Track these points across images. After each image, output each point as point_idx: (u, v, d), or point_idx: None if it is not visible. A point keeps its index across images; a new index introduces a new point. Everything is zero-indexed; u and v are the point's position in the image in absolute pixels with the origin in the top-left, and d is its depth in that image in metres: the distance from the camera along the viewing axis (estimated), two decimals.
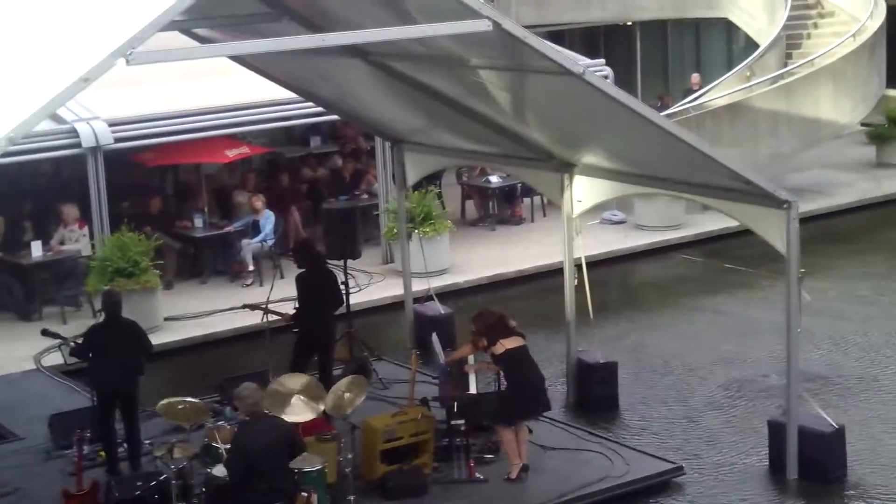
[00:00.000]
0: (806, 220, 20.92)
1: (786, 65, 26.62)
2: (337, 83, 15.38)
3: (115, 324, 13.19)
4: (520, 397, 12.64)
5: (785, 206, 12.34)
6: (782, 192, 12.41)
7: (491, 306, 13.81)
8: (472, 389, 13.11)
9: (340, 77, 14.83)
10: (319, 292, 14.49)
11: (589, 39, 33.86)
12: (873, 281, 20.26)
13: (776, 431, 12.84)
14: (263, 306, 14.61)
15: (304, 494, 11.01)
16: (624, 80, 30.63)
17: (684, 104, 24.80)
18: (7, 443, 14.35)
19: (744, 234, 13.65)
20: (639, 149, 13.29)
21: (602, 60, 25.02)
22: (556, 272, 16.58)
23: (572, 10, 31.10)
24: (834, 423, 12.69)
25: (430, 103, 14.26)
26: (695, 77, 28.82)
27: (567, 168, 14.47)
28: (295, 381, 12.77)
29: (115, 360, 12.89)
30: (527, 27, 12.01)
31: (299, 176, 23.88)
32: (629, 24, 33.67)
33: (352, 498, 11.64)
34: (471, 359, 13.18)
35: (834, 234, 23.06)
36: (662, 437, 14.03)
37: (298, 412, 12.41)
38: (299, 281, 14.60)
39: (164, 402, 12.52)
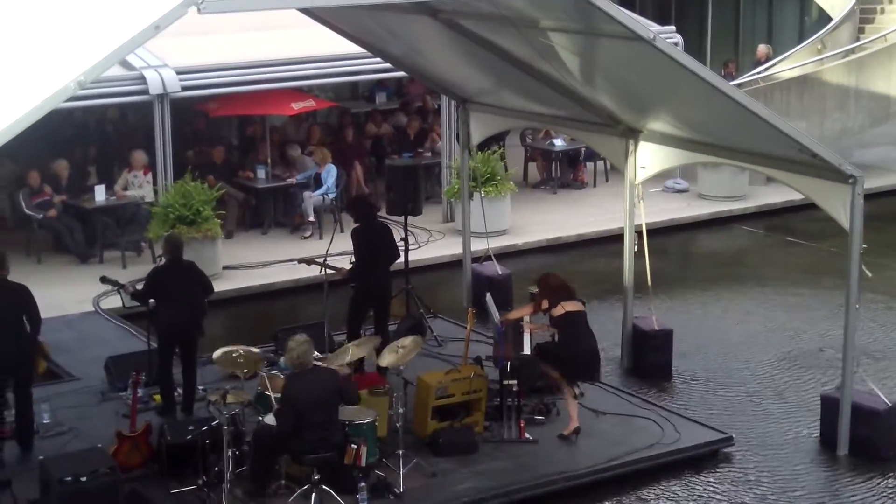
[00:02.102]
0: (871, 197, 20.86)
1: (857, 39, 26.33)
2: (406, 40, 15.38)
3: (177, 266, 13.30)
4: (573, 361, 12.68)
5: (850, 180, 12.26)
6: (848, 166, 12.33)
7: (549, 269, 13.82)
8: (527, 350, 13.13)
9: (410, 34, 14.83)
10: (375, 247, 14.48)
11: (660, 5, 33.63)
12: None
13: (829, 406, 12.81)
14: (320, 260, 14.65)
15: (354, 446, 11.12)
16: (694, 48, 30.41)
17: (753, 74, 24.61)
18: (64, 383, 14.52)
19: (806, 207, 13.56)
20: (705, 117, 13.23)
21: (672, 27, 24.87)
22: (616, 238, 16.57)
23: None
24: (888, 401, 12.63)
25: (497, 64, 14.24)
26: (762, 48, 28.46)
27: (632, 134, 14.43)
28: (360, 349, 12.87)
29: (179, 302, 12.99)
30: None
31: (364, 131, 23.92)
32: None
33: (401, 452, 11.71)
34: (526, 319, 13.21)
35: None
36: (714, 407, 14.01)
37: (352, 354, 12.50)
38: (355, 235, 14.59)
39: (220, 350, 12.61)
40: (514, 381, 12.81)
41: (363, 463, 11.27)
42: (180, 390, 13.35)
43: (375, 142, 23.65)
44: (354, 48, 17.37)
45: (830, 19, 27.42)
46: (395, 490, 11.47)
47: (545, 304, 12.79)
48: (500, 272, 17.28)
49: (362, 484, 11.18)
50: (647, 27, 12.69)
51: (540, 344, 13.07)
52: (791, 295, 18.21)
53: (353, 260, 14.56)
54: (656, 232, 18.32)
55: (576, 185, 24.24)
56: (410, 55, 16.27)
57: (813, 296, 17.89)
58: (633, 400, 13.79)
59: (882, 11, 28.02)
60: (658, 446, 12.56)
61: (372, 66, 20.29)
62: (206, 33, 19.19)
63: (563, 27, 12.42)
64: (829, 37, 25.93)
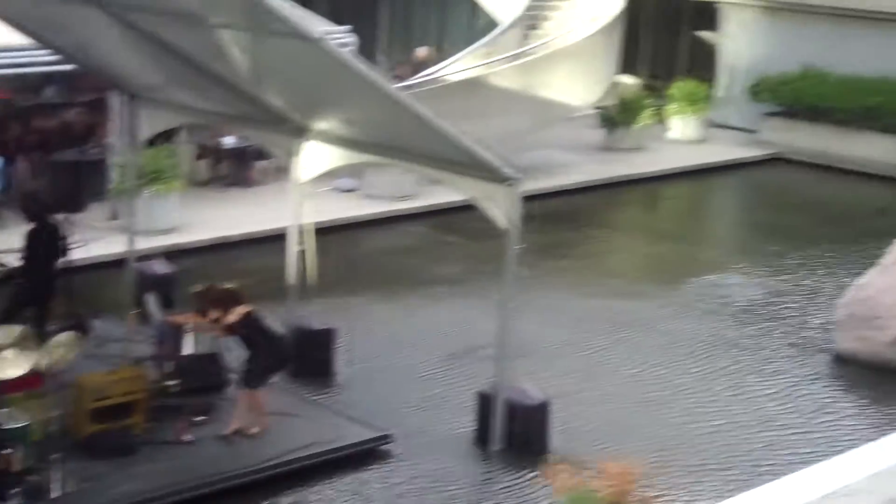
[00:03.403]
0: (531, 199, 21.56)
1: (524, 45, 27.06)
2: (74, 32, 14.99)
3: None
4: (260, 362, 12.72)
5: (509, 182, 12.63)
6: (507, 168, 12.69)
7: (217, 267, 13.77)
8: (189, 351, 13.03)
9: (77, 26, 14.48)
10: (42, 245, 14.21)
11: (336, 5, 33.78)
12: (589, 256, 21.01)
13: (484, 403, 13.19)
14: None
15: (8, 451, 10.81)
16: (368, 48, 30.71)
17: (422, 76, 24.99)
18: None
19: (472, 207, 13.86)
20: (371, 118, 13.41)
21: (348, 27, 25.03)
22: (284, 237, 16.58)
23: None
24: (540, 396, 13.09)
25: (167, 59, 14.06)
26: (422, 51, 28.94)
27: (300, 133, 14.49)
28: (6, 333, 12.47)
29: None
30: None
31: (30, 126, 23.17)
32: None
33: (57, 456, 11.43)
34: (190, 321, 13.11)
35: (559, 212, 23.67)
36: (375, 406, 14.18)
37: (9, 366, 12.12)
38: (26, 233, 14.29)
39: None
40: (176, 382, 12.70)
41: (16, 468, 10.97)
42: None
43: (42, 136, 22.93)
44: (23, 39, 16.79)
45: (498, 24, 28.09)
46: (50, 495, 11.19)
47: (214, 315, 12.74)
48: (165, 271, 17.05)
49: (15, 490, 10.88)
50: (317, 27, 12.78)
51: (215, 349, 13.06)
52: (454, 293, 18.64)
53: (22, 256, 14.22)
54: (324, 231, 18.27)
55: (246, 184, 24.11)
56: (79, 47, 15.87)
57: (475, 294, 18.31)
58: (292, 399, 13.83)
59: (548, 19, 28.91)
60: (317, 445, 12.66)
61: (40, 59, 19.64)
62: None
63: (231, 24, 12.37)
64: (496, 41, 26.55)
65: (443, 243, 21.53)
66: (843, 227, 23.78)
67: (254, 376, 12.84)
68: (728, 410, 14.67)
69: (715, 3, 32.33)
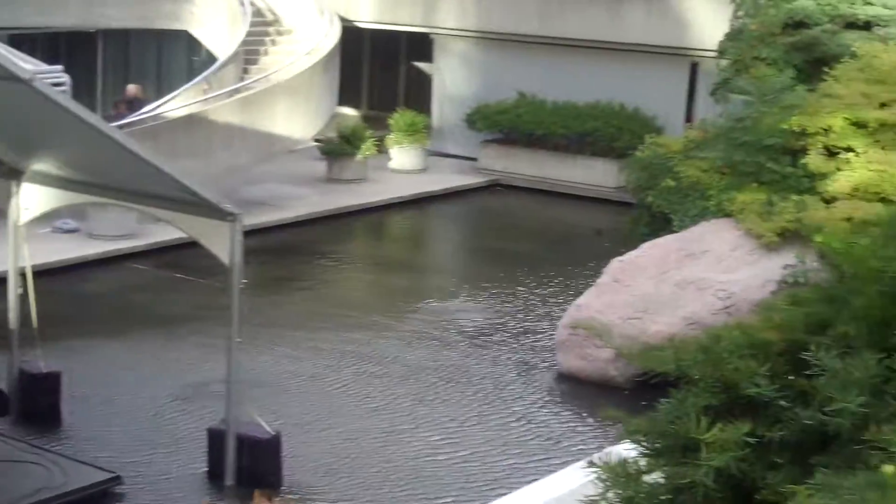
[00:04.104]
0: (257, 232, 21.61)
1: (243, 79, 27.11)
2: None
3: None
4: None
5: (230, 218, 12.64)
6: (227, 204, 12.70)
7: None
8: None
9: None
10: None
11: (52, 45, 33.12)
12: (318, 288, 21.14)
13: (215, 439, 13.13)
14: None
15: None
16: (87, 88, 30.27)
17: (141, 114, 24.75)
18: None
19: (197, 244, 13.86)
20: (88, 158, 13.24)
21: (60, 67, 24.57)
22: (3, 280, 16.19)
23: (36, 15, 30.28)
24: (271, 430, 13.11)
25: None
26: (130, 88, 28.58)
27: (15, 175, 14.16)
28: None
29: None
30: None
31: None
32: (93, 31, 33.20)
33: None
34: None
35: (285, 245, 23.74)
36: (105, 448, 13.95)
37: None
38: None
39: None
40: None
41: None
42: None
43: None
44: None
45: (217, 59, 28.05)
46: None
47: None
48: None
49: None
50: (27, 67, 12.56)
51: None
52: (183, 330, 18.47)
53: None
54: (45, 273, 18.02)
55: None
56: None
57: (204, 330, 18.14)
58: (19, 445, 13.48)
59: (266, 53, 29.03)
60: (46, 490, 12.35)
61: None
62: None
63: None
64: (215, 77, 26.50)
65: (170, 280, 21.31)
66: (563, 249, 24.51)
67: None
68: (466, 439, 14.83)
69: (429, 35, 32.97)
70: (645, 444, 4.15)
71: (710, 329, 4.34)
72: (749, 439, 3.86)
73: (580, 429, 15.38)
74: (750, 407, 4.06)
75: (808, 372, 4.05)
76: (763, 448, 3.96)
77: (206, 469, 13.29)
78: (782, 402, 4.06)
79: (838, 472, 3.50)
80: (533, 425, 15.35)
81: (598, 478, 4.08)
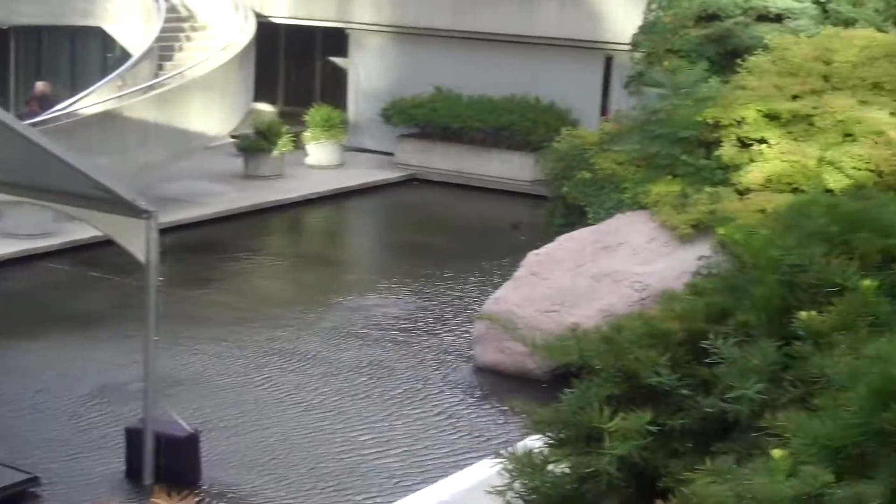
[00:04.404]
0: (174, 230, 21.54)
1: (158, 76, 26.95)
2: None
3: None
4: None
5: (145, 215, 12.60)
6: (142, 201, 12.66)
7: None
8: None
9: None
10: None
11: None
12: (237, 284, 21.09)
13: (133, 438, 13.10)
14: None
15: None
16: (0, 86, 29.96)
17: (55, 111, 24.54)
18: None
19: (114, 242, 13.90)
20: (1, 156, 13.11)
21: None
22: None
23: None
24: (189, 428, 13.09)
25: None
26: (39, 85, 28.30)
27: None
28: None
29: None
30: None
31: None
32: (6, 28, 32.85)
33: None
34: None
35: (202, 242, 23.65)
36: (23, 448, 13.84)
37: None
38: None
39: None
40: None
41: None
42: None
43: None
44: None
45: (131, 56, 27.87)
46: None
47: None
48: None
49: None
50: None
51: None
52: (101, 329, 18.36)
53: None
54: None
55: None
56: None
57: (122, 329, 18.09)
58: None
59: (181, 49, 28.87)
60: None
61: None
62: None
63: None
64: (129, 73, 26.32)
65: (87, 279, 21.14)
66: (481, 243, 24.60)
67: None
68: (389, 435, 14.80)
69: (345, 29, 32.96)
70: (550, 434, 4.23)
71: (613, 320, 4.42)
72: (651, 428, 3.94)
73: (499, 421, 15.47)
74: (652, 396, 4.15)
75: (708, 361, 4.14)
76: (665, 436, 4.05)
77: (125, 468, 13.23)
78: (683, 391, 4.15)
79: (738, 458, 3.59)
80: (455, 419, 15.43)
81: (504, 468, 4.15)
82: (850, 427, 3.39)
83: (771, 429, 3.53)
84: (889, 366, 3.39)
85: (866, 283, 4.11)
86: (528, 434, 4.35)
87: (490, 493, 4.14)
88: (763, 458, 3.21)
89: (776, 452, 3.12)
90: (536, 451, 4.25)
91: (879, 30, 20.53)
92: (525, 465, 4.09)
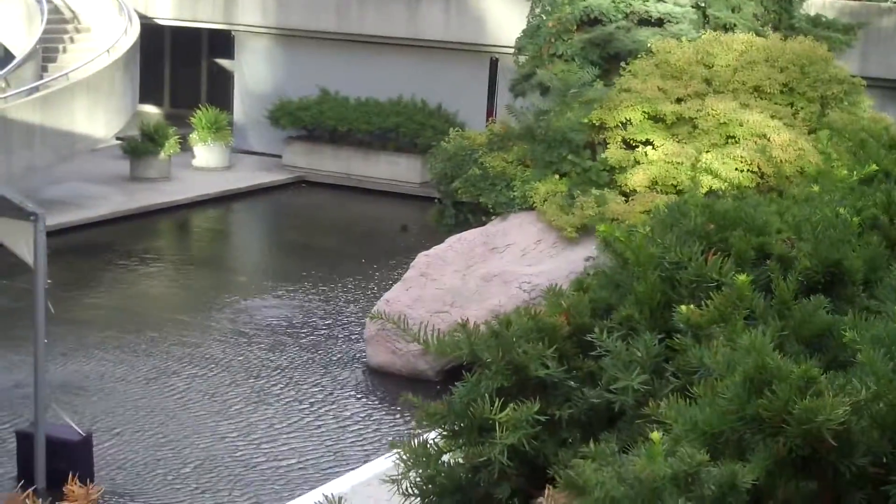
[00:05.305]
0: (62, 232, 21.42)
1: (41, 77, 26.71)
2: None
3: None
4: None
5: (32, 217, 12.55)
6: (29, 204, 12.62)
7: None
8: None
9: None
10: None
11: None
12: (124, 288, 20.99)
13: (24, 441, 13.04)
14: None
15: None
16: None
17: None
18: None
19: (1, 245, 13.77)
20: None
21: None
22: None
23: None
24: (82, 431, 13.06)
25: None
26: None
27: None
28: None
29: None
30: None
31: None
32: None
33: None
34: None
35: (89, 245, 23.49)
36: None
37: None
38: None
39: None
40: None
41: None
42: None
43: None
44: None
45: (14, 57, 27.58)
46: None
47: None
48: None
49: None
50: None
51: None
52: None
53: None
54: None
55: None
56: None
57: (11, 333, 17.98)
58: None
59: (65, 51, 28.63)
60: None
61: None
62: None
63: None
64: (12, 75, 26.05)
65: None
66: (370, 245, 24.74)
67: None
68: (283, 437, 14.89)
69: (230, 31, 32.91)
70: (444, 426, 4.38)
71: (502, 315, 4.60)
72: (540, 418, 4.12)
73: (393, 422, 15.63)
74: (540, 388, 4.32)
75: (594, 353, 4.33)
76: (554, 426, 4.23)
77: (16, 473, 13.17)
78: (571, 383, 4.34)
79: (623, 445, 3.78)
80: (348, 421, 15.53)
81: (399, 458, 4.30)
82: (727, 413, 3.60)
83: (654, 417, 3.73)
84: (762, 356, 3.60)
85: (741, 278, 4.33)
86: (421, 427, 4.50)
87: (385, 482, 4.29)
88: (646, 444, 3.41)
89: (654, 435, 3.32)
90: (431, 441, 4.41)
91: (758, 34, 20.99)
92: (420, 456, 4.25)
